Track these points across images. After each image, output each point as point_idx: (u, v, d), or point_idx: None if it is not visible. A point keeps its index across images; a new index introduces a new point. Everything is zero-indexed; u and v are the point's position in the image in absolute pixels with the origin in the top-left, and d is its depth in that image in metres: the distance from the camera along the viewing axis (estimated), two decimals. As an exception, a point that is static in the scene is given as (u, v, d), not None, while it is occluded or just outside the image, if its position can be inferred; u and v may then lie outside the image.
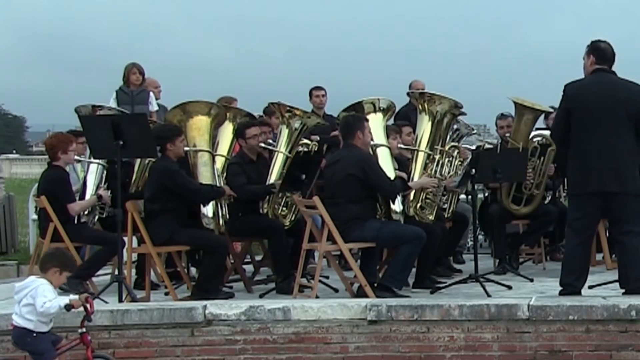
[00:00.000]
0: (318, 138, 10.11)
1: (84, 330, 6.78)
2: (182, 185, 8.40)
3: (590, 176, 7.65)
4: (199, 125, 8.95)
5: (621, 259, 7.87)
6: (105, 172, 9.31)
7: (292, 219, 9.09)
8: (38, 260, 8.99)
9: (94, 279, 9.08)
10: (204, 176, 8.83)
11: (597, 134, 7.62)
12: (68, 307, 6.61)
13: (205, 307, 7.47)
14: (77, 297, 6.77)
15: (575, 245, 7.85)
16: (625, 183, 7.60)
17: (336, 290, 8.79)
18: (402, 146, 9.33)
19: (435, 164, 9.02)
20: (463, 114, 9.73)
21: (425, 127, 9.09)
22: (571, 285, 7.74)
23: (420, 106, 9.14)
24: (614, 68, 7.83)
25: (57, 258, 6.87)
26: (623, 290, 7.70)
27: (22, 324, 6.65)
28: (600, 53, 7.76)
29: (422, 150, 9.06)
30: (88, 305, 6.73)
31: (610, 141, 7.59)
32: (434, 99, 9.12)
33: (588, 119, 7.67)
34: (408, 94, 9.66)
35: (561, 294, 7.73)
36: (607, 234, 9.80)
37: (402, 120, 10.38)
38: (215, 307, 7.48)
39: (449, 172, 9.10)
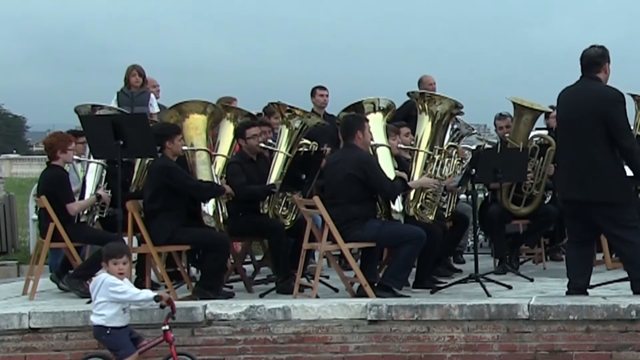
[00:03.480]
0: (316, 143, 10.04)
1: (168, 327, 6.86)
2: (181, 181, 8.41)
3: (565, 185, 7.82)
4: (196, 124, 8.97)
5: (623, 265, 7.96)
6: (104, 171, 9.31)
7: (293, 219, 9.09)
8: (38, 260, 9.05)
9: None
10: (203, 174, 8.84)
11: (570, 142, 7.70)
12: (157, 298, 6.78)
13: (205, 307, 7.47)
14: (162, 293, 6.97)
15: (571, 244, 8.02)
16: (590, 192, 7.58)
17: (336, 290, 8.79)
18: (402, 146, 9.33)
19: (435, 163, 9.02)
20: (461, 113, 9.73)
21: (425, 127, 9.09)
22: (573, 283, 7.79)
23: (420, 106, 9.14)
24: (613, 67, 7.82)
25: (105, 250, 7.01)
26: (626, 292, 7.75)
27: (95, 321, 6.79)
28: (583, 61, 7.77)
29: (421, 150, 9.06)
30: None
31: (580, 150, 7.60)
32: (434, 99, 9.13)
33: (563, 129, 7.81)
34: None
35: (567, 293, 7.76)
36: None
37: (402, 115, 10.38)
38: (216, 307, 7.48)
39: (448, 172, 9.10)
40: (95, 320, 6.80)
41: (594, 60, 7.72)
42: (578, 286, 7.76)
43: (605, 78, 7.77)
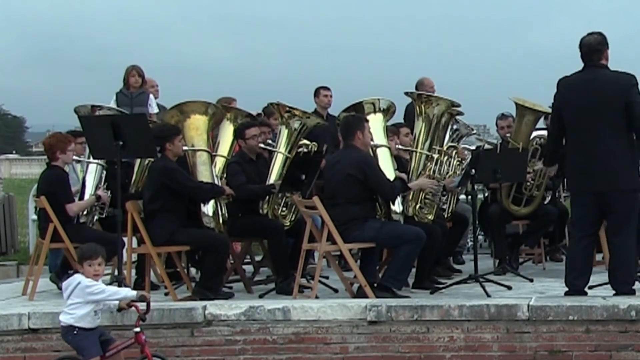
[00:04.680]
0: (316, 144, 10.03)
1: (139, 329, 6.79)
2: (181, 183, 8.41)
3: (583, 176, 7.71)
4: (197, 125, 8.97)
5: (611, 260, 7.90)
6: (104, 172, 9.32)
7: (292, 219, 9.09)
8: (37, 261, 9.04)
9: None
10: (203, 175, 8.84)
11: (587, 133, 7.63)
12: (142, 297, 6.74)
13: (205, 307, 7.47)
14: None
15: (574, 243, 7.94)
16: (616, 181, 7.57)
17: (336, 291, 8.79)
18: (400, 147, 9.33)
19: (434, 163, 9.01)
20: (461, 113, 9.72)
21: (421, 128, 9.08)
22: (572, 284, 7.78)
23: (417, 107, 9.13)
24: (611, 55, 7.77)
25: (79, 252, 6.94)
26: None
27: (64, 319, 6.70)
28: (583, 49, 7.72)
29: (420, 151, 9.05)
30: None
31: (600, 140, 7.57)
32: (432, 100, 9.11)
33: (577, 118, 7.69)
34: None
35: (566, 294, 7.75)
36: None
37: (410, 115, 10.36)
38: (215, 308, 7.48)
39: (447, 172, 9.09)
40: (64, 319, 6.71)
41: (595, 47, 7.69)
42: (578, 288, 7.75)
43: (607, 65, 7.75)
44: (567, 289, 7.84)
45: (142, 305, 6.85)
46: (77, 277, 6.70)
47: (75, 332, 6.67)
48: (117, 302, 6.83)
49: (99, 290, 6.65)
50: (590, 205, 7.74)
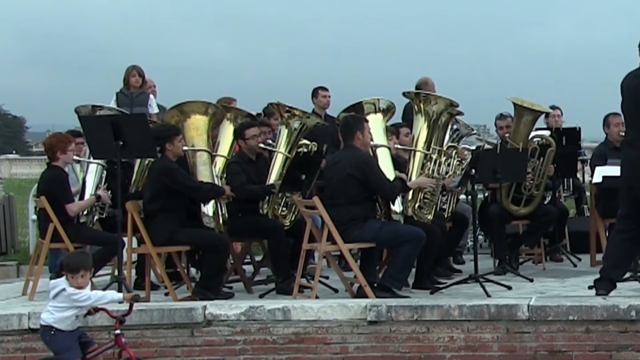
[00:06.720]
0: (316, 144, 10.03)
1: (119, 332, 6.75)
2: (181, 183, 8.41)
3: (629, 172, 7.71)
4: (197, 125, 8.97)
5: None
6: (104, 172, 9.31)
7: (292, 219, 9.09)
8: (37, 261, 9.04)
9: (93, 279, 9.06)
10: (203, 175, 8.85)
11: (628, 127, 7.71)
12: (136, 297, 6.76)
13: (205, 307, 7.48)
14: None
15: (613, 235, 7.90)
16: None
17: (336, 291, 8.79)
18: (399, 146, 9.33)
19: (433, 163, 9.01)
20: (460, 113, 9.72)
21: (421, 127, 9.08)
22: (605, 271, 7.73)
23: (416, 107, 9.13)
24: None
25: (66, 261, 6.87)
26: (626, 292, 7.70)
27: (45, 318, 6.66)
28: None
29: (419, 150, 9.05)
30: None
31: (637, 133, 7.59)
32: (430, 99, 9.11)
33: (629, 114, 7.77)
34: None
35: (596, 280, 7.71)
36: (607, 234, 9.78)
37: (407, 116, 10.36)
38: (215, 308, 7.49)
39: (446, 172, 9.09)
40: (45, 317, 6.66)
41: None
42: (610, 277, 7.70)
43: None
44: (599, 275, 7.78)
45: (114, 308, 6.82)
46: (63, 284, 6.64)
47: (52, 332, 6.62)
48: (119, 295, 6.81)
49: (84, 298, 6.60)
50: (632, 201, 7.70)
